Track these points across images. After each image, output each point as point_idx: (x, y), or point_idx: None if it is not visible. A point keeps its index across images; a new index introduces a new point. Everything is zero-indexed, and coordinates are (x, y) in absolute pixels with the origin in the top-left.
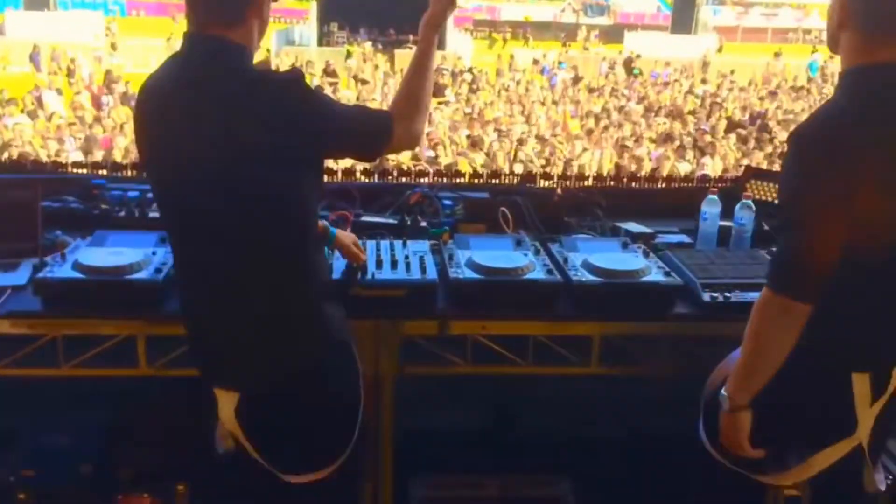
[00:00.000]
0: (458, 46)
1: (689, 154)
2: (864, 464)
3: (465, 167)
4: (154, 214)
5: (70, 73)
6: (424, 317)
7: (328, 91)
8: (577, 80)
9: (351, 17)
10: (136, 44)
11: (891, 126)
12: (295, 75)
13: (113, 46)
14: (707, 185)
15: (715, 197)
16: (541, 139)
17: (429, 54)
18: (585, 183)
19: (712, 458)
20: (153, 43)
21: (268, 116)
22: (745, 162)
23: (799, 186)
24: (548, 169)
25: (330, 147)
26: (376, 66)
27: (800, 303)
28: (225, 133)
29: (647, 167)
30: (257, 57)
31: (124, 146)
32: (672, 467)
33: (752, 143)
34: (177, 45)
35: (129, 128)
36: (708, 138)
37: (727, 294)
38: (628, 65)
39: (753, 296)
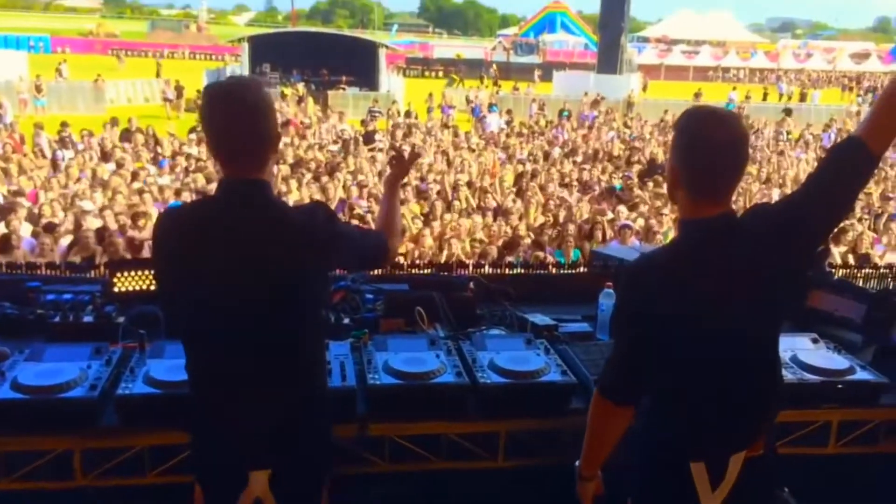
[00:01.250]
0: (392, 85)
1: (613, 202)
2: None
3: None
4: (88, 319)
5: None
6: (345, 420)
7: None
8: (510, 122)
9: (283, 58)
10: (62, 85)
11: (695, 266)
12: (317, 205)
13: (38, 89)
14: (607, 273)
15: (610, 290)
16: (471, 186)
17: (395, 205)
18: (498, 270)
19: None
20: (80, 84)
21: (297, 243)
22: (665, 211)
23: (615, 308)
24: (478, 217)
25: (345, 262)
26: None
27: (621, 406)
28: (261, 259)
29: (580, 214)
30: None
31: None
32: None
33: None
34: (103, 84)
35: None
36: (630, 184)
37: None
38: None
39: None
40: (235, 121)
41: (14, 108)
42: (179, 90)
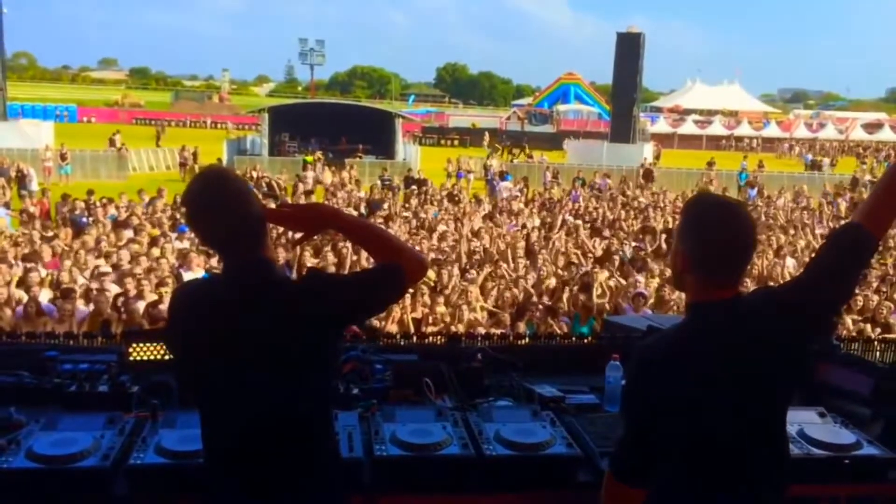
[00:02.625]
0: (408, 153)
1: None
2: None
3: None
4: (103, 388)
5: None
6: (351, 491)
7: None
8: (523, 190)
9: (302, 128)
10: (86, 154)
11: (701, 350)
12: (311, 272)
13: (63, 157)
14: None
15: (617, 363)
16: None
17: (365, 225)
18: (506, 341)
19: None
20: (104, 154)
21: (306, 311)
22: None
23: (624, 392)
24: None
25: (364, 304)
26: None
27: (630, 489)
28: (272, 329)
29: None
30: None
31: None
32: None
33: None
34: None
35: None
36: (642, 254)
37: None
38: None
39: None
40: (217, 208)
41: (39, 175)
42: (195, 155)
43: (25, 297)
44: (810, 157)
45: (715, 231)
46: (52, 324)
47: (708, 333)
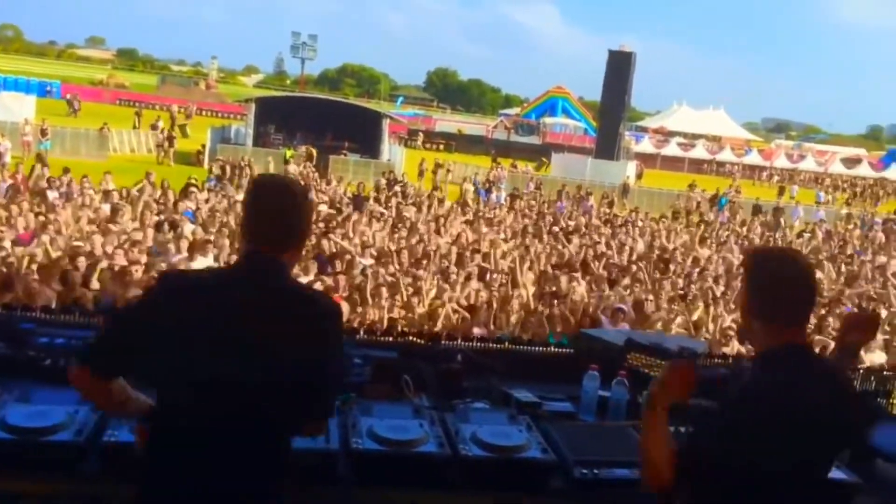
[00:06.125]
0: (393, 154)
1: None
2: None
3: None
4: None
5: None
6: (325, 483)
7: None
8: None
9: (288, 122)
10: (67, 130)
11: (800, 395)
12: (336, 308)
13: (43, 132)
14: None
15: (595, 373)
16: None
17: None
18: (485, 345)
19: None
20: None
21: (303, 329)
22: (651, 298)
23: (721, 423)
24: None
25: (325, 381)
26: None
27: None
28: (265, 333)
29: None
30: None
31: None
32: None
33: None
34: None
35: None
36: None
37: (596, 471)
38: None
39: (620, 472)
40: (284, 212)
41: (18, 149)
42: (171, 139)
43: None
44: (796, 188)
45: (786, 285)
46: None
47: (795, 382)
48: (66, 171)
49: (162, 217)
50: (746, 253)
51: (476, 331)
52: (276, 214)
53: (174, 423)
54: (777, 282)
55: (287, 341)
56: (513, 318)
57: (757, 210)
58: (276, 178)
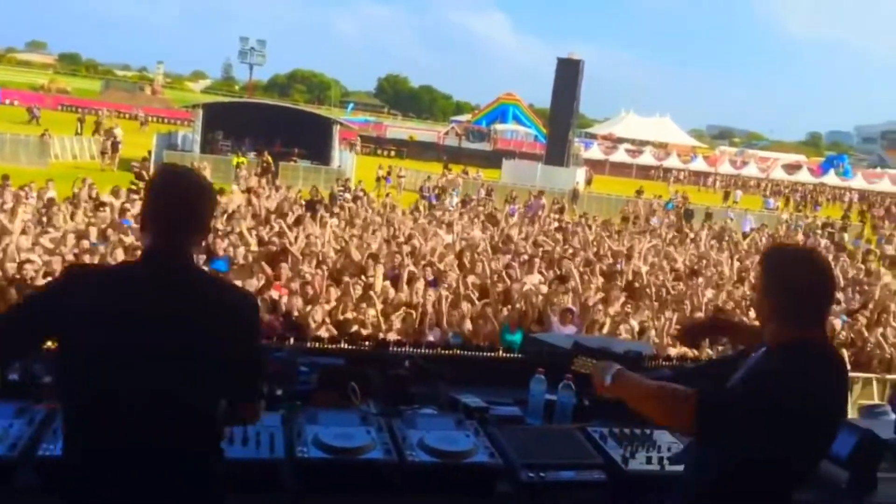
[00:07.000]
0: (343, 161)
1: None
2: None
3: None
4: (13, 377)
5: None
6: (269, 492)
7: None
8: (465, 202)
9: (236, 128)
10: (6, 137)
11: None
12: (253, 300)
13: None
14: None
15: (542, 377)
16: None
17: None
18: (433, 351)
19: None
20: (25, 138)
21: (218, 324)
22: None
23: (761, 411)
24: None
25: (244, 367)
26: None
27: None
28: (176, 331)
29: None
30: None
31: None
32: None
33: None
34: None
35: None
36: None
37: (542, 474)
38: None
39: (566, 475)
40: (186, 200)
41: None
42: (115, 145)
43: None
44: (772, 201)
45: (803, 281)
46: None
47: (815, 370)
48: (5, 178)
49: (104, 226)
50: (765, 252)
51: (428, 333)
52: (179, 202)
53: (99, 432)
54: (797, 285)
55: (198, 335)
56: (466, 321)
57: (708, 216)
58: (180, 167)
